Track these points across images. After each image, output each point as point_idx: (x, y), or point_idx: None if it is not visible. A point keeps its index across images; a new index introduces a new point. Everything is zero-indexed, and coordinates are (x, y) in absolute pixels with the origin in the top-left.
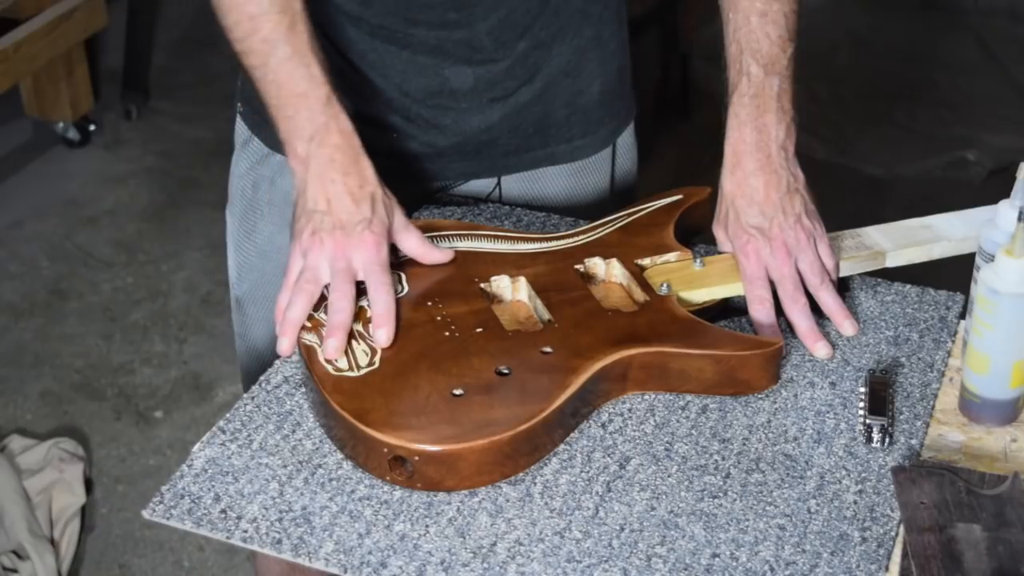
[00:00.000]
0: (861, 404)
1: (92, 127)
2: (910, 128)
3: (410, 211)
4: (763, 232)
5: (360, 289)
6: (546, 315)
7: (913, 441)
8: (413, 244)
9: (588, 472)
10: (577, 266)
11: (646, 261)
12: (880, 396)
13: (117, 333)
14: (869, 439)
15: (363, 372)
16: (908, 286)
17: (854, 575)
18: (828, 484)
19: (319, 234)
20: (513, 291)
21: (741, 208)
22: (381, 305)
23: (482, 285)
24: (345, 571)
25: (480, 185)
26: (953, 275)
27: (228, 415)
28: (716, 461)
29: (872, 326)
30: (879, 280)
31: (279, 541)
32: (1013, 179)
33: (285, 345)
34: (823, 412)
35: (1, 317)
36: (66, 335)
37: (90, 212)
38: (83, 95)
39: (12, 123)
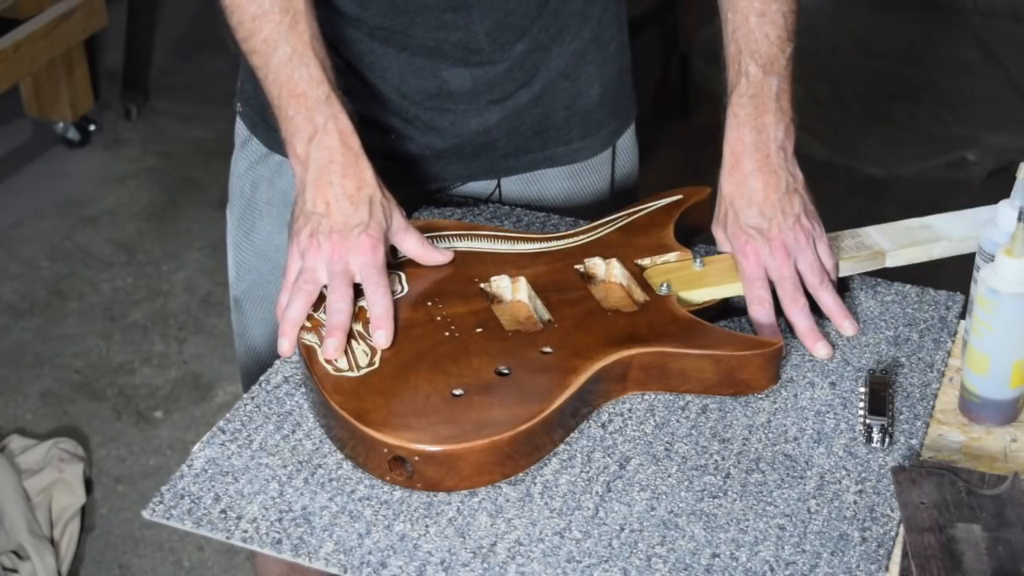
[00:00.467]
0: (861, 404)
1: (92, 127)
2: (910, 128)
3: (410, 212)
4: (762, 232)
5: (359, 290)
6: (546, 315)
7: (913, 441)
8: (412, 245)
9: (588, 472)
10: (577, 266)
11: (646, 261)
12: (880, 396)
13: (117, 333)
14: (869, 439)
15: (363, 372)
16: (908, 286)
17: (854, 575)
18: (828, 484)
19: (316, 236)
20: (513, 291)
21: (740, 209)
22: (379, 307)
23: (482, 285)
24: (345, 571)
25: (480, 186)
26: (953, 275)
27: (228, 415)
28: (716, 461)
29: (872, 326)
30: (879, 280)
31: (279, 541)
32: (1013, 179)
33: (285, 345)
34: (823, 412)
35: (1, 317)
36: (66, 335)
37: (90, 212)
38: (83, 95)
39: (12, 123)
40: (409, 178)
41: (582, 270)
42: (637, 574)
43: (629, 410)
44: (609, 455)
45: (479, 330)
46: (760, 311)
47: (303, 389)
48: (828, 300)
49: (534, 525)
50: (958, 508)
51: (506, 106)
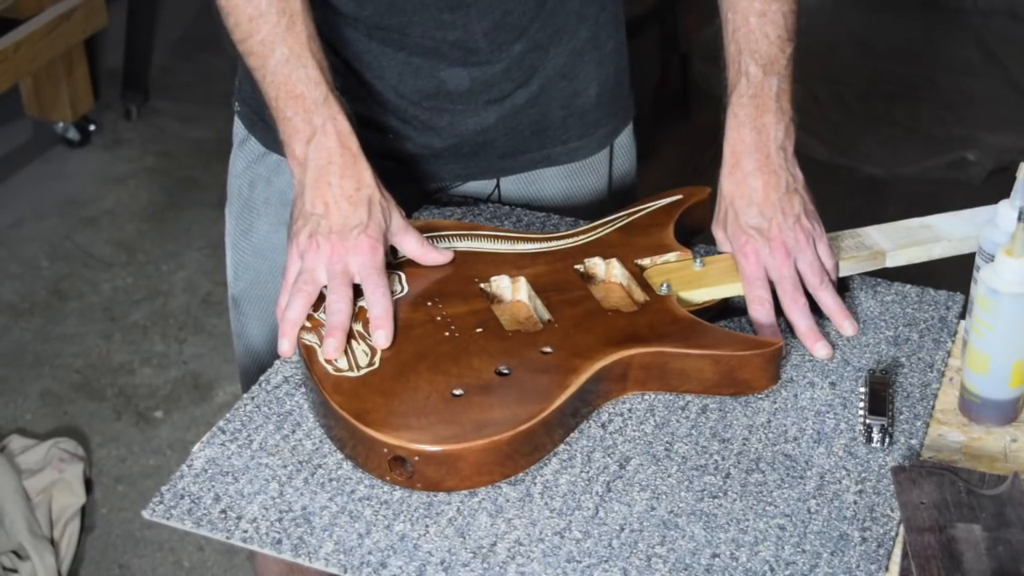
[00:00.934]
0: (861, 404)
1: (92, 127)
2: (910, 128)
3: (409, 211)
4: (762, 232)
5: (359, 290)
6: (546, 315)
7: (913, 441)
8: (412, 245)
9: (588, 472)
10: (577, 266)
11: (646, 261)
12: (880, 396)
13: (117, 333)
14: (869, 439)
15: (363, 372)
16: (908, 286)
17: (854, 575)
18: (828, 484)
19: (316, 237)
20: (513, 291)
21: (740, 209)
22: (378, 308)
23: (482, 285)
24: (345, 571)
25: (478, 186)
26: (953, 275)
27: (228, 415)
28: (716, 461)
29: (872, 326)
30: (879, 280)
31: (279, 541)
32: (1013, 179)
33: (285, 346)
34: (823, 412)
35: (1, 317)
36: (66, 335)
37: (90, 212)
38: (83, 95)
39: (12, 123)
40: (407, 178)
41: (582, 270)
42: (637, 574)
43: (629, 410)
44: (609, 455)
45: (479, 330)
46: (760, 311)
47: (303, 389)
48: (828, 300)
49: (534, 525)
50: (958, 508)
51: (504, 106)
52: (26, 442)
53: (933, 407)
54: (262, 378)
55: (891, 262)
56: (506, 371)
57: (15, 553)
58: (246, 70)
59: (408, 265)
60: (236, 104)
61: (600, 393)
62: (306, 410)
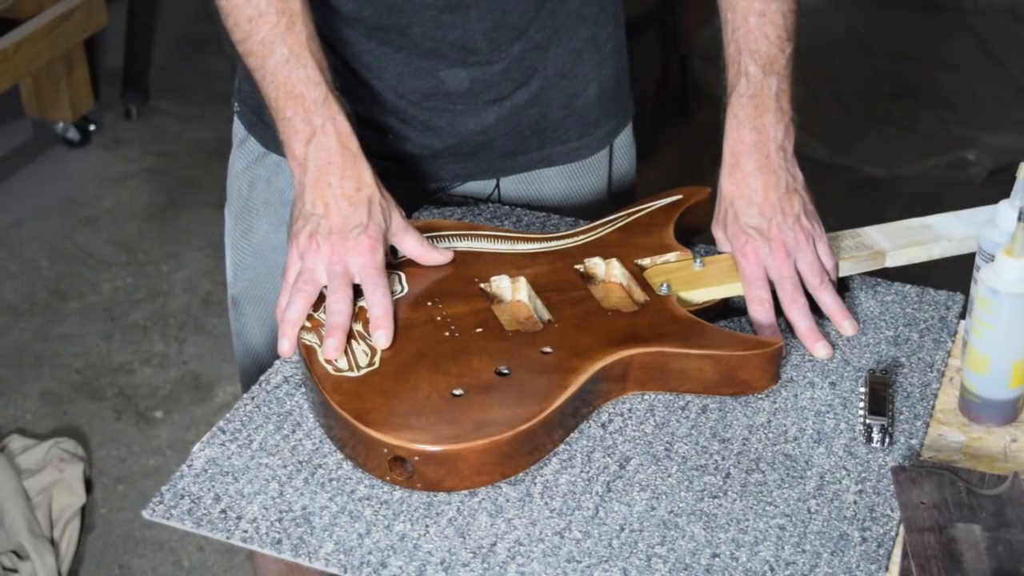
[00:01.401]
0: (861, 404)
1: (92, 127)
2: (910, 128)
3: (409, 211)
4: (762, 233)
5: (359, 290)
6: (546, 315)
7: (913, 441)
8: (412, 245)
9: (588, 472)
10: (577, 266)
11: (646, 261)
12: (880, 396)
13: (117, 333)
14: (869, 439)
15: (363, 372)
16: (908, 286)
17: (854, 575)
18: (828, 484)
19: (316, 238)
20: (513, 291)
21: (740, 209)
22: (378, 308)
23: (482, 285)
24: (345, 571)
25: (478, 186)
26: (953, 275)
27: (228, 415)
28: (716, 461)
29: (872, 326)
30: (879, 280)
31: (279, 541)
32: (1013, 179)
33: (285, 346)
34: (823, 412)
35: (1, 317)
36: (66, 335)
37: (90, 212)
38: (83, 95)
39: (12, 123)
40: (407, 178)
41: (582, 270)
42: (637, 574)
43: (629, 410)
44: (609, 455)
45: (479, 330)
46: (760, 311)
47: (303, 389)
48: (828, 300)
49: (534, 525)
50: (958, 508)
51: (503, 106)
52: (26, 442)
53: (933, 407)
54: (262, 378)
55: (891, 262)
56: (506, 371)
57: (15, 553)
58: (246, 70)
59: (408, 265)
60: (236, 104)
61: (600, 393)
62: (306, 410)
